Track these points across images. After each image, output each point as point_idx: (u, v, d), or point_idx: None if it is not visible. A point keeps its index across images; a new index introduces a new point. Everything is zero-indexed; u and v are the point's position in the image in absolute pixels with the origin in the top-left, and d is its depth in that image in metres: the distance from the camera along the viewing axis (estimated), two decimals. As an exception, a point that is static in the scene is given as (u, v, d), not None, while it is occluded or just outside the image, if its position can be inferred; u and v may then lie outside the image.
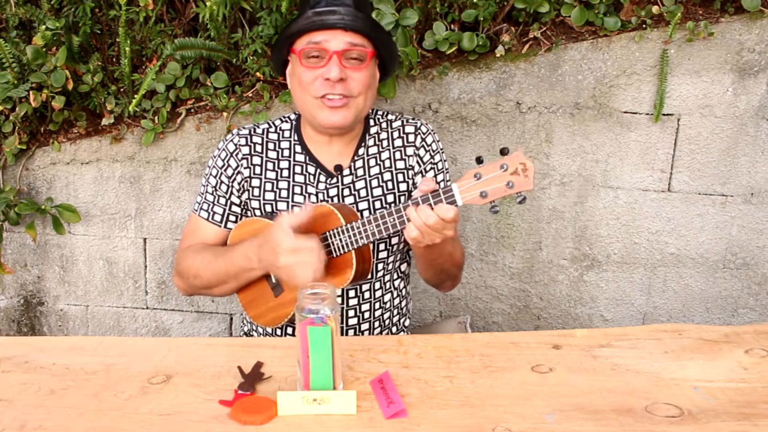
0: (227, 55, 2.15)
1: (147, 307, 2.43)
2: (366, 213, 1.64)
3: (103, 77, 2.18)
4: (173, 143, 2.25)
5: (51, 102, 2.14)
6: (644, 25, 2.10)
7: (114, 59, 2.24)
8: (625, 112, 2.18)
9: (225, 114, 2.19)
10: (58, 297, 2.44)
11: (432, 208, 1.34)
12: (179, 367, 1.31)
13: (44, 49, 2.09)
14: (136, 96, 2.11)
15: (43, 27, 2.07)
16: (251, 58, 2.14)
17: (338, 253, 1.48)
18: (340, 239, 1.46)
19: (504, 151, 1.29)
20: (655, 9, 2.09)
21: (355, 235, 1.45)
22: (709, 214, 2.26)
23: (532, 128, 2.20)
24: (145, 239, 2.36)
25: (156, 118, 2.19)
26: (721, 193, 2.24)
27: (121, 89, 2.23)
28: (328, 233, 1.48)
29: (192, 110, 2.23)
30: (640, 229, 2.29)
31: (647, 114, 2.17)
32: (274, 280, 1.58)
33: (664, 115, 2.17)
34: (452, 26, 2.14)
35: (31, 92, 2.11)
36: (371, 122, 1.71)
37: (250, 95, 2.21)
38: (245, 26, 2.17)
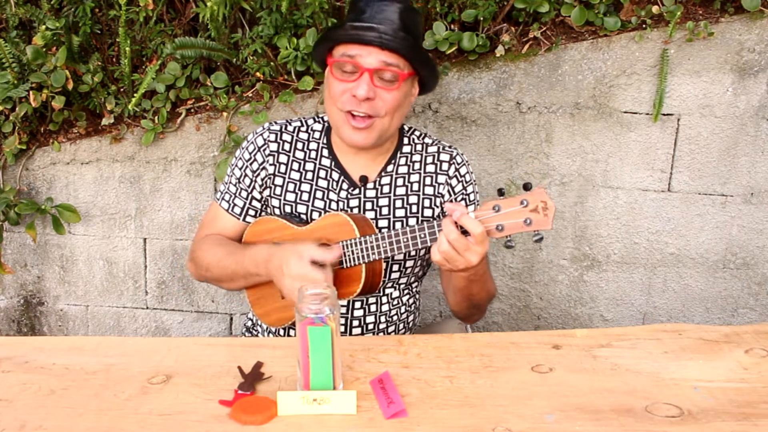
0: (227, 55, 2.15)
1: (147, 307, 2.43)
2: (384, 231, 1.62)
3: (103, 77, 2.18)
4: (173, 143, 2.25)
5: (51, 102, 2.14)
6: (644, 25, 2.10)
7: (114, 59, 2.24)
8: (625, 112, 2.18)
9: (225, 114, 2.19)
10: (58, 297, 2.44)
11: (456, 225, 1.30)
12: (179, 367, 1.31)
13: (44, 49, 2.09)
14: (135, 96, 2.11)
15: (43, 27, 2.07)
16: (251, 58, 2.14)
17: (349, 265, 1.47)
18: (352, 251, 1.46)
19: (527, 186, 1.27)
20: (655, 9, 2.09)
21: (368, 249, 1.44)
22: (709, 214, 2.26)
23: (532, 128, 2.20)
24: (145, 239, 2.36)
25: (156, 118, 2.19)
26: (721, 193, 2.24)
27: (121, 89, 2.23)
28: (341, 243, 1.47)
29: (192, 110, 2.23)
30: (640, 229, 2.29)
31: (647, 114, 2.17)
32: None
33: (664, 115, 2.17)
34: (452, 26, 2.14)
35: (31, 92, 2.11)
36: (405, 140, 1.68)
37: (250, 95, 2.21)
38: (245, 26, 2.17)
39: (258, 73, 2.18)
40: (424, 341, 1.42)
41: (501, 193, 1.29)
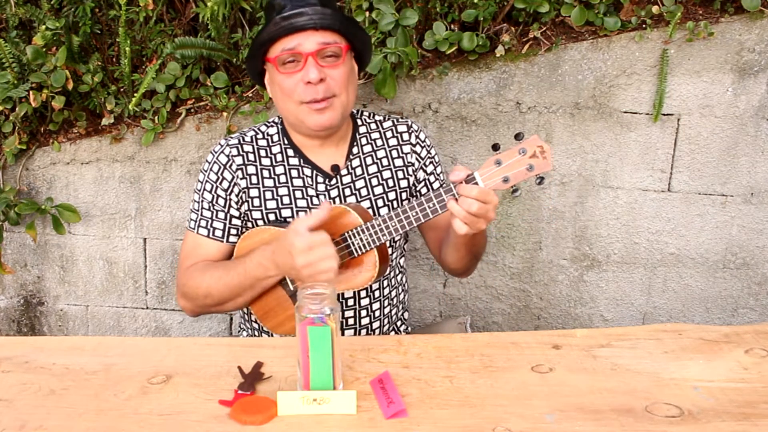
0: (227, 55, 2.15)
1: (147, 307, 2.43)
2: (369, 212, 1.64)
3: (103, 77, 2.18)
4: (173, 143, 2.25)
5: (51, 102, 2.14)
6: (644, 25, 2.10)
7: (114, 59, 2.24)
8: (625, 112, 2.18)
9: (225, 114, 2.19)
10: (58, 297, 2.44)
11: (471, 196, 1.34)
12: (179, 367, 1.31)
13: (44, 49, 2.09)
14: (135, 95, 2.11)
15: (43, 27, 2.07)
16: (251, 58, 2.14)
17: (359, 253, 1.48)
18: (360, 239, 1.46)
19: (519, 136, 1.32)
20: (655, 9, 2.09)
21: (376, 232, 1.45)
22: (709, 214, 2.26)
23: (532, 128, 2.20)
24: (145, 239, 2.36)
25: (156, 118, 2.19)
26: (721, 193, 2.24)
27: (121, 89, 2.23)
28: (347, 234, 1.47)
29: (192, 110, 2.23)
30: (640, 229, 2.29)
31: (647, 114, 2.17)
32: (291, 288, 1.57)
33: (664, 115, 2.17)
34: (452, 26, 2.14)
35: (31, 92, 2.11)
36: (359, 122, 1.73)
37: (250, 95, 2.21)
38: (245, 26, 2.17)
39: (258, 73, 2.18)
40: (424, 341, 1.42)
41: (496, 147, 1.33)
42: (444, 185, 1.39)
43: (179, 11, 2.21)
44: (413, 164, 1.71)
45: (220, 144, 1.66)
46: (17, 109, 2.14)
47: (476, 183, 1.34)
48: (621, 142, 2.20)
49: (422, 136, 1.74)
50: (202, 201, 1.64)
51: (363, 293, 1.65)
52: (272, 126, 1.70)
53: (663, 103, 2.14)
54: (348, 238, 1.47)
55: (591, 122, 2.19)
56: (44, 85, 2.11)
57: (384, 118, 1.74)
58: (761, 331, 1.44)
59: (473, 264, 1.69)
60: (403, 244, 1.78)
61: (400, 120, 1.74)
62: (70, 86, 2.13)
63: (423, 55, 2.16)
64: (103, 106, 2.23)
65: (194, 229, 1.65)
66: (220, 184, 1.62)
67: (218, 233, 1.63)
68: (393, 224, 1.43)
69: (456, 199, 1.35)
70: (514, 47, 2.14)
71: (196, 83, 2.23)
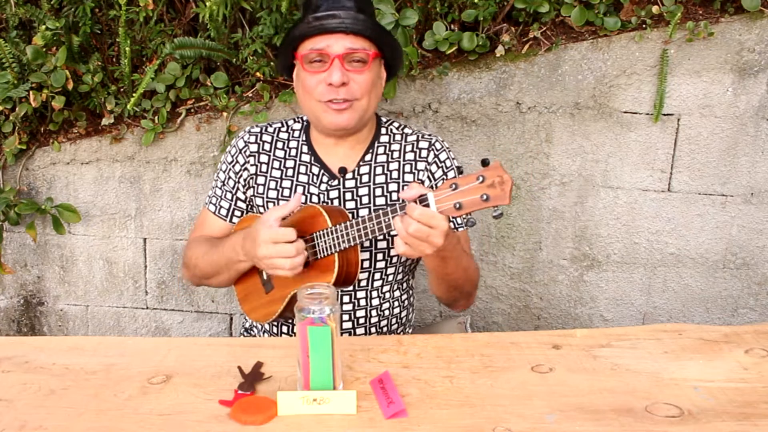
0: (227, 55, 2.15)
1: (147, 307, 2.43)
2: (351, 216, 1.62)
3: (103, 77, 2.18)
4: (173, 143, 2.25)
5: (51, 102, 2.14)
6: (644, 25, 2.10)
7: (114, 59, 2.24)
8: (625, 112, 2.18)
9: (225, 114, 2.19)
10: (58, 297, 2.44)
11: (412, 216, 1.28)
12: (179, 367, 1.32)
13: (44, 49, 2.09)
14: (134, 95, 2.11)
15: (43, 27, 2.07)
16: (251, 58, 2.14)
17: (323, 255, 1.47)
18: (325, 241, 1.46)
19: (485, 162, 1.25)
20: (655, 9, 2.09)
21: (338, 237, 1.44)
22: (709, 214, 2.26)
23: (532, 128, 2.20)
24: (145, 239, 2.36)
25: (156, 118, 2.20)
26: (721, 193, 2.24)
27: (121, 89, 2.23)
28: (314, 234, 1.48)
29: (192, 110, 2.23)
30: (640, 229, 2.29)
31: (647, 114, 2.18)
32: (265, 276, 1.60)
33: (664, 115, 2.17)
34: (452, 26, 2.14)
35: (31, 92, 2.11)
36: (383, 130, 1.70)
37: (250, 95, 2.21)
38: (245, 26, 2.17)
39: (258, 73, 2.18)
40: (424, 341, 1.42)
41: (460, 171, 1.31)
42: (400, 202, 1.36)
43: (179, 11, 2.21)
44: (423, 182, 1.67)
45: (244, 130, 1.73)
46: (17, 109, 2.14)
47: (427, 204, 1.27)
48: (621, 142, 2.20)
49: (443, 156, 1.68)
50: (217, 180, 1.73)
51: (346, 299, 1.64)
52: (298, 122, 1.74)
53: (663, 103, 2.14)
54: (315, 239, 1.48)
55: (591, 122, 2.19)
56: (44, 85, 2.11)
57: (411, 132, 1.71)
58: (761, 331, 1.44)
59: (457, 297, 1.63)
60: (407, 261, 1.72)
61: (426, 136, 1.70)
62: (70, 86, 2.13)
63: (423, 55, 2.16)
64: (103, 106, 2.23)
65: (207, 204, 1.75)
66: (233, 167, 1.70)
67: (223, 212, 1.72)
68: (353, 232, 1.42)
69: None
70: (514, 47, 2.14)
71: (196, 83, 2.24)
